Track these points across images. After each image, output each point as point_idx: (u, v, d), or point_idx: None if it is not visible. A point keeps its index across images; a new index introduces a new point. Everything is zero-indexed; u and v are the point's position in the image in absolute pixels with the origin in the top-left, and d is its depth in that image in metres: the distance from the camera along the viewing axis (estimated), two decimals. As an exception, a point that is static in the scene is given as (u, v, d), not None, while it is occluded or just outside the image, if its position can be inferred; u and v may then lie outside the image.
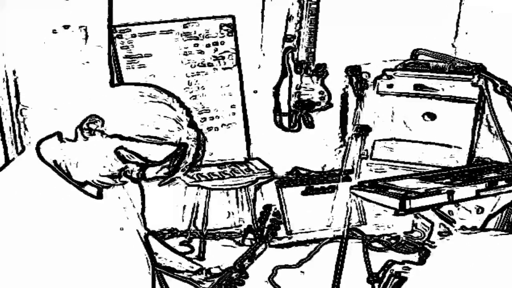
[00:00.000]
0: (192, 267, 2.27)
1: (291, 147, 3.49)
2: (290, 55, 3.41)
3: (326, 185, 3.41)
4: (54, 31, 3.11)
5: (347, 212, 3.11)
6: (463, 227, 3.01)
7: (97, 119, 1.72)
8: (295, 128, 3.46)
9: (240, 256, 2.58)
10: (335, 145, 3.52)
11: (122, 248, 1.81)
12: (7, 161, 2.88)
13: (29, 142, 3.11)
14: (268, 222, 3.25)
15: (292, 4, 3.39)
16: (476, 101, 3.09)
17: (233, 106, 3.45)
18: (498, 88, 3.03)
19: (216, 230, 3.49)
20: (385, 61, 3.30)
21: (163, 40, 3.34)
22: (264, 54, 3.47)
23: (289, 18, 3.41)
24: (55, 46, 3.12)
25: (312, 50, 3.40)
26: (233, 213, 3.54)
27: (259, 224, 3.29)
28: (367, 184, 2.98)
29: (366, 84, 3.29)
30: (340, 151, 3.48)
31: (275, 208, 3.30)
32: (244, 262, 2.53)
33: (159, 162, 1.73)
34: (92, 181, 1.76)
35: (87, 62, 3.20)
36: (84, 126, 1.72)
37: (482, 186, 2.66)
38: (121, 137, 1.70)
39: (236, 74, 3.44)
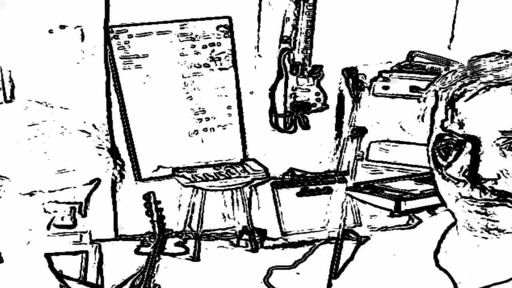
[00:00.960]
0: None
1: (286, 148, 3.49)
2: (286, 56, 3.41)
3: (321, 186, 3.42)
4: (51, 31, 3.11)
5: (342, 213, 3.11)
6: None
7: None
8: (291, 129, 3.46)
9: (144, 277, 2.50)
10: (330, 146, 3.52)
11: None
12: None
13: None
14: (155, 216, 2.77)
15: (289, 5, 3.39)
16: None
17: (229, 107, 3.45)
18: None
19: (211, 231, 3.49)
20: (381, 63, 3.31)
21: (160, 41, 3.34)
22: (260, 55, 3.47)
23: (285, 19, 3.42)
24: (52, 46, 3.12)
25: (308, 51, 3.40)
26: (228, 215, 3.54)
27: (150, 219, 2.86)
28: (362, 186, 2.98)
29: (362, 85, 3.29)
30: (335, 154, 3.48)
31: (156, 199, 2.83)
32: (153, 280, 2.48)
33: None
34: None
35: (84, 63, 3.20)
36: None
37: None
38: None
39: (232, 75, 3.44)
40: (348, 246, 3.07)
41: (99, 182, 1.41)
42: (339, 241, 2.93)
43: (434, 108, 1.11)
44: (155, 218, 2.74)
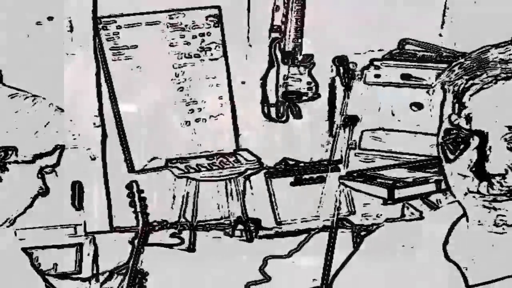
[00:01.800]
0: None
1: (279, 138, 3.49)
2: (277, 45, 3.41)
3: (315, 176, 3.43)
4: (38, 23, 3.08)
5: (336, 202, 3.13)
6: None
7: (8, 151, 1.41)
8: (283, 119, 3.46)
9: (130, 264, 2.49)
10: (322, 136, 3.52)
11: None
12: None
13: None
14: (138, 206, 2.71)
15: (279, -6, 3.39)
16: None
17: (220, 97, 3.45)
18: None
19: (206, 221, 3.49)
20: (372, 51, 3.31)
21: (149, 31, 3.32)
22: (250, 45, 3.46)
23: (275, 8, 3.41)
24: (39, 38, 3.09)
25: (299, 40, 3.40)
26: (222, 206, 3.54)
27: (133, 210, 2.77)
28: (355, 174, 3.00)
29: (353, 74, 3.30)
30: (327, 143, 3.48)
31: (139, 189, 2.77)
32: (138, 266, 2.48)
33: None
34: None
35: (73, 54, 3.17)
36: None
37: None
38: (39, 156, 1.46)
39: (223, 65, 3.43)
40: (342, 234, 3.09)
41: (64, 147, 1.48)
42: (334, 230, 2.95)
43: (443, 101, 1.11)
44: (138, 209, 2.73)
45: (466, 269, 1.11)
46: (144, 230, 2.57)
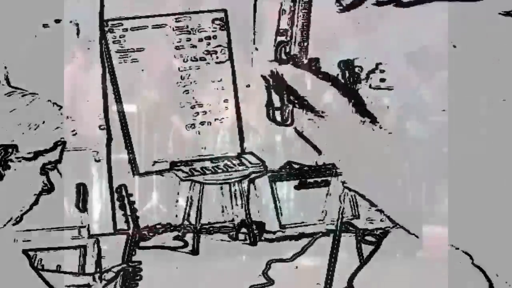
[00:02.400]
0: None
1: (284, 141, 3.49)
2: (282, 49, 3.41)
3: (319, 179, 3.43)
4: (45, 26, 3.10)
5: (340, 206, 3.13)
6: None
7: (8, 149, 1.47)
8: (288, 122, 3.46)
9: (126, 250, 2.51)
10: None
11: None
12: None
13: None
14: (128, 210, 2.83)
15: (285, -3, 3.39)
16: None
17: (225, 101, 3.45)
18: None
19: (210, 224, 3.49)
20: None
21: (155, 34, 3.33)
22: (256, 48, 3.46)
23: (281, 12, 3.41)
24: (46, 40, 3.11)
25: (305, 44, 3.40)
26: (226, 207, 3.54)
27: (123, 212, 2.87)
28: (360, 178, 2.99)
29: (358, 78, 3.30)
30: None
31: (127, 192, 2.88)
32: (132, 254, 2.49)
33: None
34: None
35: (79, 57, 3.19)
36: None
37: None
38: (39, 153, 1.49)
39: (228, 68, 3.44)
40: (346, 238, 3.09)
41: (65, 143, 1.49)
42: (337, 234, 2.94)
43: None
44: (128, 212, 2.75)
45: (492, 275, 1.12)
46: (135, 232, 2.60)
